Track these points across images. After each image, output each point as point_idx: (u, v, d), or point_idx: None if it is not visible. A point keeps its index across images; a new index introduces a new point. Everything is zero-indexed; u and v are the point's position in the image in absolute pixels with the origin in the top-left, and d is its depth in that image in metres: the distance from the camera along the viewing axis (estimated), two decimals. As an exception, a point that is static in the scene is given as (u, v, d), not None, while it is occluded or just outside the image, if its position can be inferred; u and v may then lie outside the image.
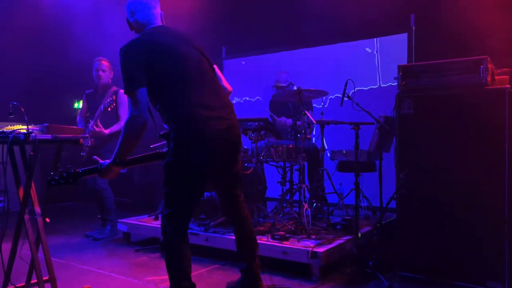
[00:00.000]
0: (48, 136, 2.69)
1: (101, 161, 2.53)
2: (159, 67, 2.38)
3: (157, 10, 2.62)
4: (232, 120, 2.51)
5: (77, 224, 5.26)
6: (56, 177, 2.60)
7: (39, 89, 6.74)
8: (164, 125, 2.52)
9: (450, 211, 3.09)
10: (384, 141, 4.37)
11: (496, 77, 3.11)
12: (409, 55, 5.03)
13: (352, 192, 4.41)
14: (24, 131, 2.58)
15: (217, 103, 2.47)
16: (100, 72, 4.66)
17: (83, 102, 4.86)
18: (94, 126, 4.38)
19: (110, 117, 4.59)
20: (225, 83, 2.74)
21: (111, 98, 4.43)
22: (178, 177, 2.41)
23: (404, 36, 5.17)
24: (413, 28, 4.94)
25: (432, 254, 3.15)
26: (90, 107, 4.70)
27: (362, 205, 4.78)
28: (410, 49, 5.01)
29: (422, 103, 3.19)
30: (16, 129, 2.61)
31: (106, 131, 4.44)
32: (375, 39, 5.54)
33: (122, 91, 4.74)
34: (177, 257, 2.48)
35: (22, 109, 2.61)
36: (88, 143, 4.43)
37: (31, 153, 2.57)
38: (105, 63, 4.71)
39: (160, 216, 4.18)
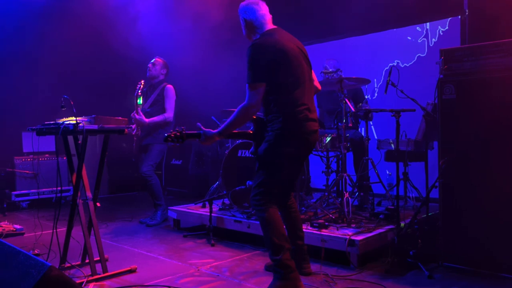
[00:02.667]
0: (95, 126, 2.92)
1: (204, 128, 2.90)
2: (279, 70, 2.74)
3: (269, 14, 2.96)
4: (318, 122, 2.95)
5: (134, 211, 5.59)
6: (172, 136, 2.92)
7: (112, 87, 7.16)
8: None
9: (494, 201, 2.95)
10: (432, 129, 4.22)
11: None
12: (462, 39, 4.79)
13: (400, 182, 4.30)
14: (74, 122, 2.83)
15: (313, 107, 2.91)
16: (150, 64, 4.97)
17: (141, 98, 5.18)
18: (135, 114, 4.63)
19: (158, 109, 4.86)
20: (316, 83, 3.13)
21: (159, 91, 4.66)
22: (274, 160, 2.78)
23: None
24: (466, 10, 4.70)
25: (477, 245, 3.03)
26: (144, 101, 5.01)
27: (411, 195, 4.65)
28: (463, 32, 4.77)
29: (464, 88, 3.06)
30: (67, 121, 2.87)
31: (146, 120, 4.67)
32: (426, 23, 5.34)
33: (169, 86, 5.00)
34: (274, 224, 2.76)
35: (72, 102, 2.85)
36: (135, 132, 4.71)
37: (79, 142, 2.81)
38: (157, 59, 5.01)
39: (207, 204, 4.34)
